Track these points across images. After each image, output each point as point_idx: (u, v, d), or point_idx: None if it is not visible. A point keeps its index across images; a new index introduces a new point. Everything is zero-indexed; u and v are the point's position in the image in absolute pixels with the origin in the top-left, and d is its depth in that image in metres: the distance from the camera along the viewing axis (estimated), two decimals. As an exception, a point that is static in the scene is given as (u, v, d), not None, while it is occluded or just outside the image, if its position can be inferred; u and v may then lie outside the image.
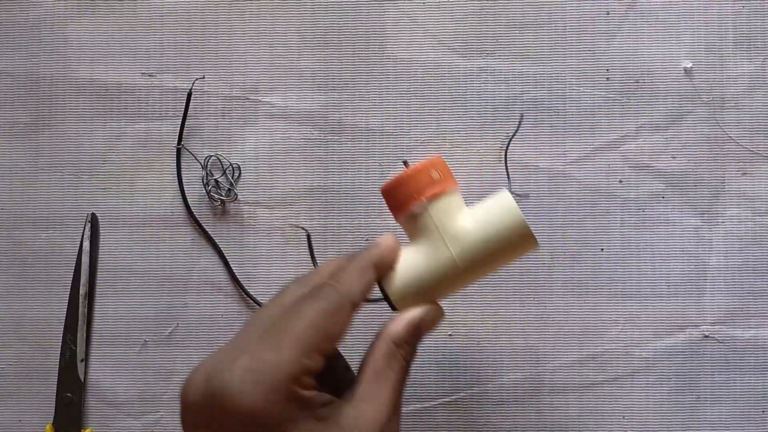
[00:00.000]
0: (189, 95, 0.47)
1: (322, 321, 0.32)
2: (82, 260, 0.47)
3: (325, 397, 0.32)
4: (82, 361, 0.47)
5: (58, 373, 0.47)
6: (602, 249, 0.47)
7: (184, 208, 0.48)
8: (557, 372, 0.46)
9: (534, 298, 0.47)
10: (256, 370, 0.30)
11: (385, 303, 0.36)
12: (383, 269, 0.36)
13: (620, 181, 0.47)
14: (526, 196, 0.46)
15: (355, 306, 0.34)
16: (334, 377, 0.35)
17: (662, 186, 0.47)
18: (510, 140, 0.45)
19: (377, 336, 0.35)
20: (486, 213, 0.36)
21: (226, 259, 0.47)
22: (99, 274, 0.48)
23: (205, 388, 0.30)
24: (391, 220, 0.47)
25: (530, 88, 0.47)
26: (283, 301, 0.34)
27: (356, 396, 0.32)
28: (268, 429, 0.29)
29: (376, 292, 0.36)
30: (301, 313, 0.32)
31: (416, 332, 0.35)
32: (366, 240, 0.47)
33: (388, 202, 0.38)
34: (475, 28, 0.48)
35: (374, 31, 0.48)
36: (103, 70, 0.48)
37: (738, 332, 0.46)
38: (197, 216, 0.48)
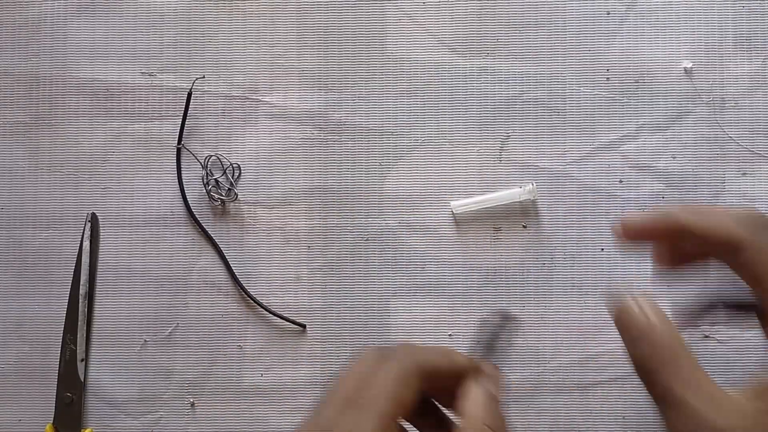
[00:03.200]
0: (189, 95, 0.47)
1: (393, 388, 0.32)
2: (82, 260, 0.47)
3: None
4: (82, 361, 0.47)
5: (58, 373, 0.47)
6: (602, 249, 0.47)
7: (184, 207, 0.48)
8: (557, 372, 0.46)
9: (534, 298, 0.47)
10: None
11: None
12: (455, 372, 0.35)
13: (620, 181, 0.47)
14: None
15: (424, 373, 0.33)
16: None
17: (662, 186, 0.47)
18: None
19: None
20: None
21: (226, 259, 0.47)
22: (99, 274, 0.48)
23: None
24: (390, 220, 0.47)
25: (530, 88, 0.47)
26: (359, 369, 0.34)
27: None
28: None
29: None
30: (376, 381, 0.32)
31: (494, 402, 0.34)
32: (366, 240, 0.47)
33: None
34: (475, 28, 0.48)
35: (374, 30, 0.48)
36: (103, 69, 0.48)
37: (738, 332, 0.46)
38: (197, 216, 0.48)
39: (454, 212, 0.46)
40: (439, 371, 0.34)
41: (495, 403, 0.34)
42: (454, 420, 0.36)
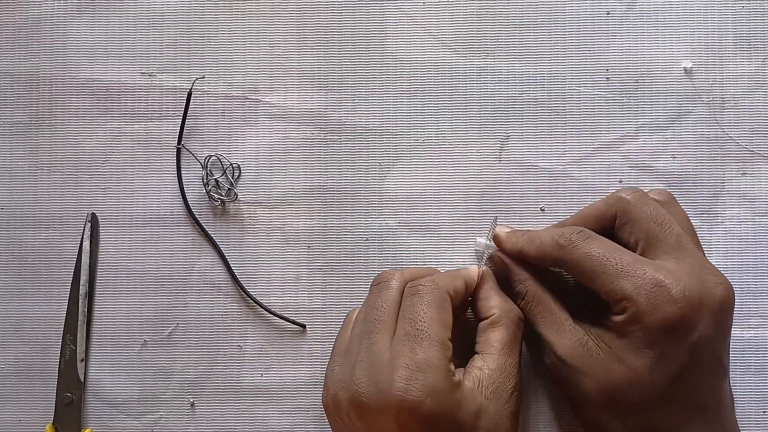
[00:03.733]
0: (189, 95, 0.47)
1: (439, 313, 0.37)
2: (82, 260, 0.47)
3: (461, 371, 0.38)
4: (82, 361, 0.47)
5: (58, 373, 0.47)
6: (602, 249, 0.46)
7: (184, 208, 0.48)
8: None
9: (534, 298, 0.46)
10: (418, 374, 0.35)
11: None
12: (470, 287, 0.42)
13: (620, 181, 0.47)
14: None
15: (451, 296, 0.39)
16: None
17: (662, 186, 0.47)
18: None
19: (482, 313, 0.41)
20: None
21: (226, 259, 0.47)
22: (99, 274, 0.48)
23: (378, 400, 0.35)
24: (390, 220, 0.47)
25: (530, 88, 0.47)
26: (389, 305, 0.39)
27: (492, 366, 0.38)
28: (452, 420, 0.35)
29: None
30: (422, 314, 0.37)
31: (504, 295, 0.43)
32: (366, 240, 0.47)
33: None
34: (475, 28, 0.48)
35: (374, 30, 0.48)
36: (102, 69, 0.48)
37: (738, 332, 0.46)
38: (197, 216, 0.48)
39: (477, 249, 0.46)
40: (459, 291, 0.40)
41: (504, 295, 0.42)
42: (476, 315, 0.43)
